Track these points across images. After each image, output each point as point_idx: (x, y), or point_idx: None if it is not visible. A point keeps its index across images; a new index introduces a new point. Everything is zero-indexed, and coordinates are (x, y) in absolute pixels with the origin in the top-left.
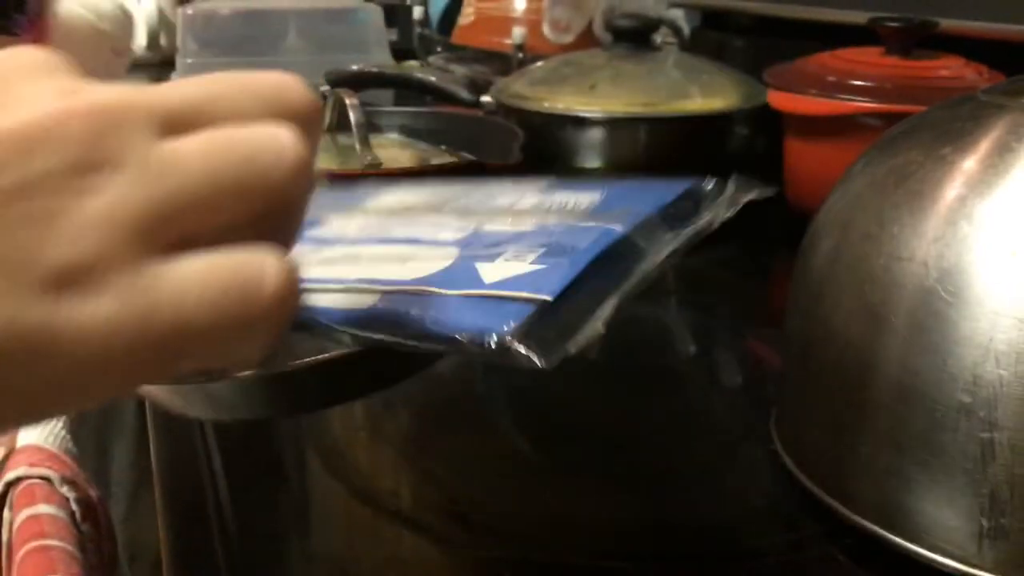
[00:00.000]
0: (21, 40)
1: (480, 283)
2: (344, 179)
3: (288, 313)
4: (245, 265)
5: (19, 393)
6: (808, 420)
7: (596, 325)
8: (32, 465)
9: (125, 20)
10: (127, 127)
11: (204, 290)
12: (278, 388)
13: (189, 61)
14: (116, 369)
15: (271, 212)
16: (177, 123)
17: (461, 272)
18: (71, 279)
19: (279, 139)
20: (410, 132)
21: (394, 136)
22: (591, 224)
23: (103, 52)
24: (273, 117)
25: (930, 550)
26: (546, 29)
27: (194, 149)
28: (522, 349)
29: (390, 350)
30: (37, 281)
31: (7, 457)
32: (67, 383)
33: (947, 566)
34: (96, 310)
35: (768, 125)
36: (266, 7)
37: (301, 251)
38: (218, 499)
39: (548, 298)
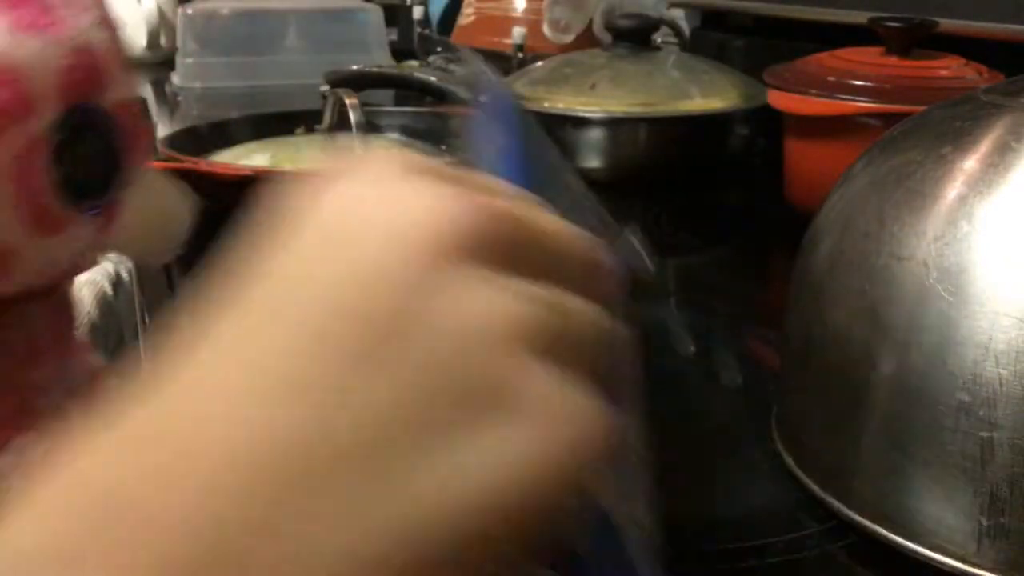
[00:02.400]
0: (92, 220)
1: None
2: None
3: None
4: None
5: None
6: (808, 419)
7: None
8: None
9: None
10: (508, 247)
11: (593, 405)
12: None
13: (189, 61)
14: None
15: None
16: (512, 258)
17: None
18: (500, 407)
19: (605, 323)
20: (410, 132)
21: (394, 136)
22: None
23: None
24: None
25: (930, 549)
26: (546, 29)
27: (569, 297)
28: None
29: None
30: (467, 422)
31: None
32: (524, 531)
33: (947, 565)
34: (538, 435)
35: (768, 125)
36: (266, 7)
37: None
38: None
39: None
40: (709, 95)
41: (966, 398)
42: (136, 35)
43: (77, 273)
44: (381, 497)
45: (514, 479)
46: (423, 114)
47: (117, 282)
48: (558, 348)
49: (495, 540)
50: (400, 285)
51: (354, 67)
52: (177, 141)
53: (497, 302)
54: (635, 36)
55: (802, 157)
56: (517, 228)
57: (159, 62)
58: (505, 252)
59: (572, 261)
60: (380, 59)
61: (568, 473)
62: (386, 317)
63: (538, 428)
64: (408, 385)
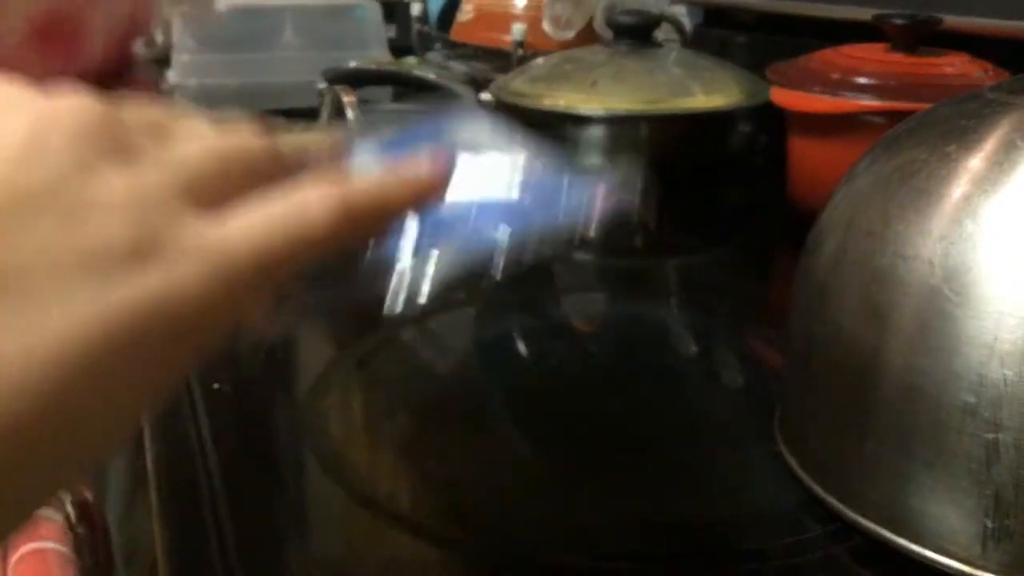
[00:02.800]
0: None
1: None
2: None
3: (356, 210)
4: (289, 196)
5: (156, 368)
6: (812, 420)
7: None
8: None
9: None
10: (120, 131)
11: (265, 220)
12: None
13: (185, 58)
14: (223, 314)
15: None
16: (154, 134)
17: None
18: (144, 255)
19: (240, 132)
20: None
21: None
22: None
23: None
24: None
25: (934, 551)
26: (546, 25)
27: (188, 145)
28: None
29: None
30: (108, 268)
31: None
32: (184, 345)
33: (951, 567)
34: (186, 271)
35: (771, 123)
36: (263, 3)
37: None
38: (215, 501)
39: None
40: (711, 92)
41: (971, 399)
42: None
43: (139, 34)
44: (16, 327)
45: (142, 304)
46: (421, 111)
47: None
48: (190, 194)
49: (154, 350)
50: (51, 162)
51: (352, 64)
52: None
53: (126, 174)
54: (636, 33)
55: (805, 155)
56: (117, 117)
57: (155, 59)
58: (119, 136)
59: (183, 125)
60: (378, 56)
61: (184, 303)
62: (34, 187)
63: (152, 266)
64: (46, 243)
